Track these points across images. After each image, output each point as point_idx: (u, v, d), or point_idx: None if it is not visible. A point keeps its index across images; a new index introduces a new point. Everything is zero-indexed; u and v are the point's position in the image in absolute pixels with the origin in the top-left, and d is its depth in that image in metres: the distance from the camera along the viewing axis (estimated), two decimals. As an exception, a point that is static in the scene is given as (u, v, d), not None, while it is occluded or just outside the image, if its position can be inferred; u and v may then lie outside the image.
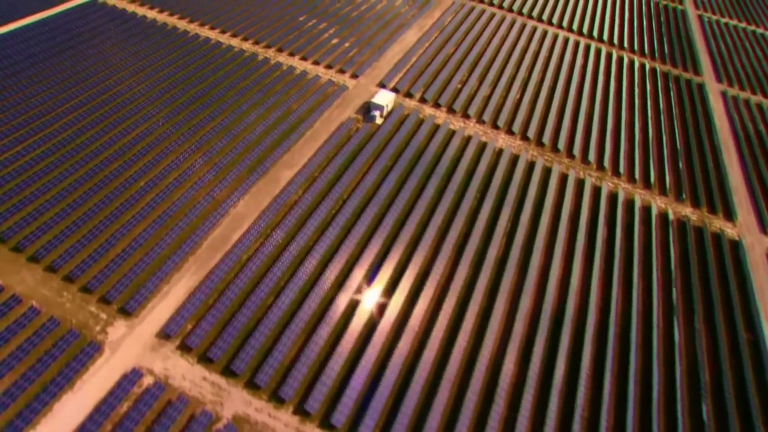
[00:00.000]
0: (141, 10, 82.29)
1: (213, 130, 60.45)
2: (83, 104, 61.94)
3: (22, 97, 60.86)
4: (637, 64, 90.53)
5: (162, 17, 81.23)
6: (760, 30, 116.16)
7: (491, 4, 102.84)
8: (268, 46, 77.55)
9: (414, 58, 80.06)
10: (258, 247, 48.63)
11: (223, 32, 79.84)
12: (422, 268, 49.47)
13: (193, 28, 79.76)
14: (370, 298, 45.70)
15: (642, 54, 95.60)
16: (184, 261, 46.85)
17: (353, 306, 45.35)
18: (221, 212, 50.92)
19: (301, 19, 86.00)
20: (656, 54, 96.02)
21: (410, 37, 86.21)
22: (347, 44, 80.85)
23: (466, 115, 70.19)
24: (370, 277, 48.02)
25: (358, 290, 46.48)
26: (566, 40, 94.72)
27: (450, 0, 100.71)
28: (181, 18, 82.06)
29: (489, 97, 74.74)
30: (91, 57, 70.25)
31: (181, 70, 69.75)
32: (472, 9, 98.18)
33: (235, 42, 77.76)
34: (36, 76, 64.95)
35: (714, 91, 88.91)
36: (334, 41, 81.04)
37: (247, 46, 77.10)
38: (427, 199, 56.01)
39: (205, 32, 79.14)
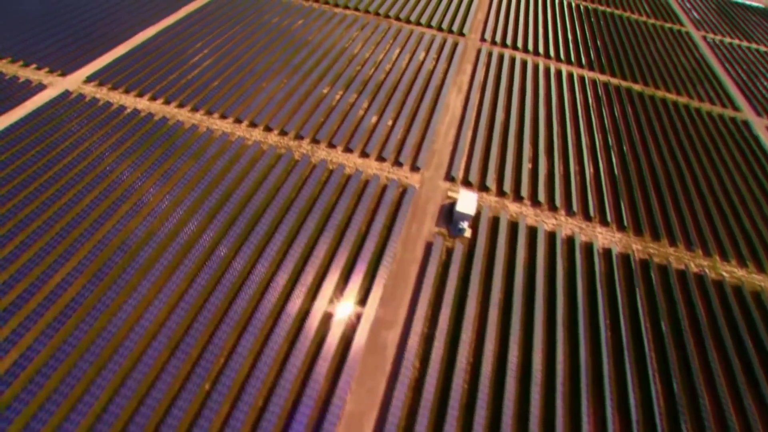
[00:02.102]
0: (128, 101, 65.47)
1: (276, 281, 46.78)
2: (83, 268, 45.99)
3: None
4: (681, 106, 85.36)
5: (157, 108, 64.97)
6: (763, 48, 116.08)
7: (515, 48, 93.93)
8: (300, 137, 63.79)
9: (469, 132, 69.36)
10: (397, 471, 36.51)
11: (238, 122, 65.03)
12: (597, 453, 39.51)
13: (201, 118, 64.31)
14: None
15: (677, 92, 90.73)
16: None
17: None
18: (332, 419, 38.07)
19: (324, 91, 72.55)
20: (690, 90, 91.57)
21: (453, 100, 75.35)
22: (390, 121, 68.70)
23: (553, 208, 60.71)
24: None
25: None
26: (606, 86, 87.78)
27: (474, 49, 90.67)
28: (181, 106, 66.20)
29: (566, 176, 65.71)
30: (78, 184, 53.62)
31: (204, 189, 54.87)
32: (502, 57, 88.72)
33: (258, 134, 63.31)
34: (8, 232, 47.84)
35: (760, 128, 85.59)
36: (374, 119, 68.58)
37: (274, 139, 62.94)
38: (562, 342, 46.00)
39: (217, 123, 63.99)
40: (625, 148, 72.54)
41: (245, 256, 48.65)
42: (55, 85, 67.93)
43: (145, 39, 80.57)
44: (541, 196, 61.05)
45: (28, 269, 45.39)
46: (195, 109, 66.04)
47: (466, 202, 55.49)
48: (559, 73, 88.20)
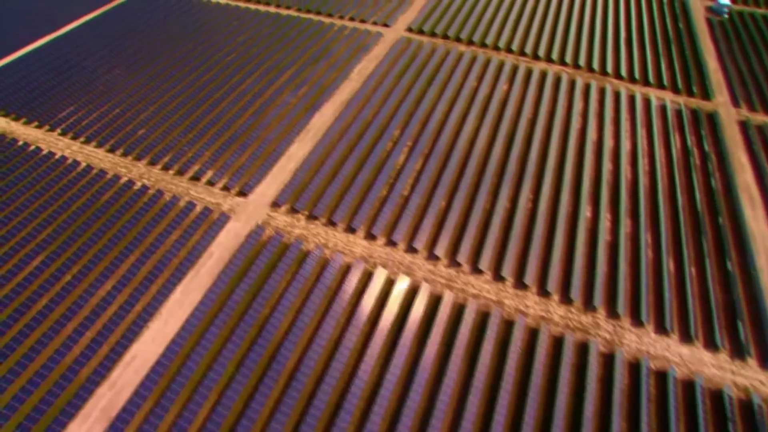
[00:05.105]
0: (339, 240, 50.74)
1: None
2: None
3: None
4: None
5: (383, 254, 49.92)
6: None
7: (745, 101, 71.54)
8: (592, 308, 47.12)
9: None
10: None
11: (500, 279, 49.08)
12: None
13: (448, 274, 48.71)
14: None
15: None
16: None
17: None
18: None
19: (588, 215, 54.91)
20: None
21: (754, 222, 56.14)
22: (692, 268, 50.86)
23: None
24: None
25: None
26: None
27: (734, 122, 69.46)
28: (413, 251, 50.82)
29: None
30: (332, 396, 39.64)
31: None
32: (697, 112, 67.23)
33: (534, 304, 47.25)
34: None
35: None
36: (671, 266, 50.84)
37: (559, 312, 46.73)
38: None
39: (472, 283, 48.34)
40: None
41: None
42: (238, 213, 53.60)
43: (324, 128, 64.22)
44: None
45: None
46: (434, 258, 50.27)
47: None
48: None
